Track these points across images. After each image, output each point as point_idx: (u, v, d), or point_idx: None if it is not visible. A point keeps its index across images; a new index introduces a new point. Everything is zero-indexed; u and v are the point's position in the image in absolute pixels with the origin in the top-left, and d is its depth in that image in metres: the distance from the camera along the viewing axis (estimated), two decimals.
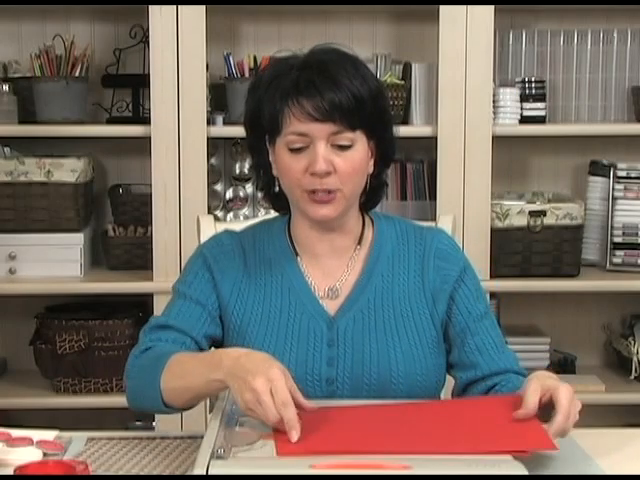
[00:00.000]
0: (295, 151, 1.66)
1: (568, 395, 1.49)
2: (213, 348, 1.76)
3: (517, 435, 1.42)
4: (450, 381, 1.80)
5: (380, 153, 1.74)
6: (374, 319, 1.72)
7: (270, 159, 1.73)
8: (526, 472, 1.28)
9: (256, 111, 1.71)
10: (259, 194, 1.83)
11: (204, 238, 1.94)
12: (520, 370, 1.75)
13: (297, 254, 1.77)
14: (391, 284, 1.75)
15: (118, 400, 2.93)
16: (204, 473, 1.25)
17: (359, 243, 1.78)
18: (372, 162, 1.73)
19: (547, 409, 1.50)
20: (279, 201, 1.78)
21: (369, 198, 1.78)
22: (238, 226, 1.88)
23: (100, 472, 1.51)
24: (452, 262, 1.77)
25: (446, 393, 1.88)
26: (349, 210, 1.73)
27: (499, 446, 1.37)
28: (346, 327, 1.72)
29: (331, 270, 1.76)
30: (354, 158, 1.67)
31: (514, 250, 2.97)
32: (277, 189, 1.75)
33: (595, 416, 3.03)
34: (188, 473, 1.49)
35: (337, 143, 1.65)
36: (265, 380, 1.40)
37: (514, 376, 1.71)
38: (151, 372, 1.62)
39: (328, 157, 1.65)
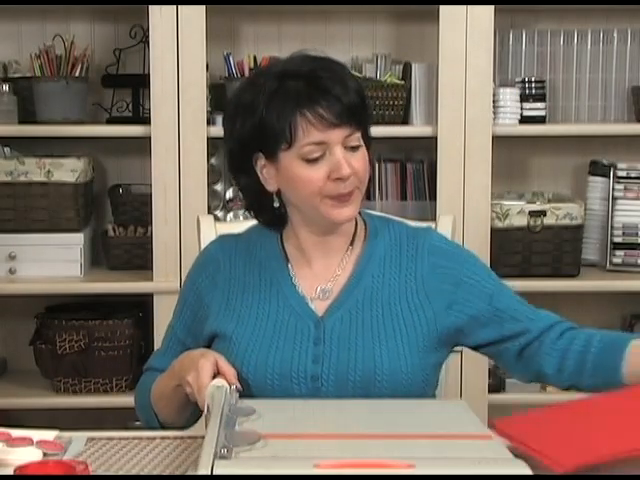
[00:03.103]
0: (312, 161, 1.66)
1: None
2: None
3: None
4: (452, 380, 1.80)
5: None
6: (362, 318, 1.73)
7: (262, 176, 1.72)
8: (530, 472, 1.28)
9: (254, 131, 1.69)
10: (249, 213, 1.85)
11: (204, 238, 1.97)
12: (561, 319, 1.77)
13: (287, 257, 1.78)
14: (381, 284, 1.75)
15: (118, 400, 2.94)
16: (209, 473, 1.24)
17: (351, 243, 1.79)
18: None
19: None
20: (273, 217, 1.78)
21: None
22: (238, 226, 1.90)
23: (100, 472, 1.51)
24: (450, 259, 1.78)
25: (443, 393, 1.89)
26: None
27: None
28: (333, 326, 1.72)
29: (322, 272, 1.77)
30: (364, 157, 1.71)
31: (514, 250, 2.97)
32: (277, 204, 1.76)
33: None
34: (189, 473, 1.49)
35: (349, 145, 1.68)
36: (195, 372, 1.61)
37: (564, 326, 1.74)
38: (145, 408, 1.82)
39: (348, 160, 1.67)
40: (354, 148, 1.68)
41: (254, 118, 1.68)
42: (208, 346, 1.78)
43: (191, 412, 1.77)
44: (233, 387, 1.58)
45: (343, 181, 1.67)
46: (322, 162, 1.67)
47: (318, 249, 1.77)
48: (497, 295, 1.77)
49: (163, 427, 1.80)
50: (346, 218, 1.71)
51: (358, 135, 1.69)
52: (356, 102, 1.67)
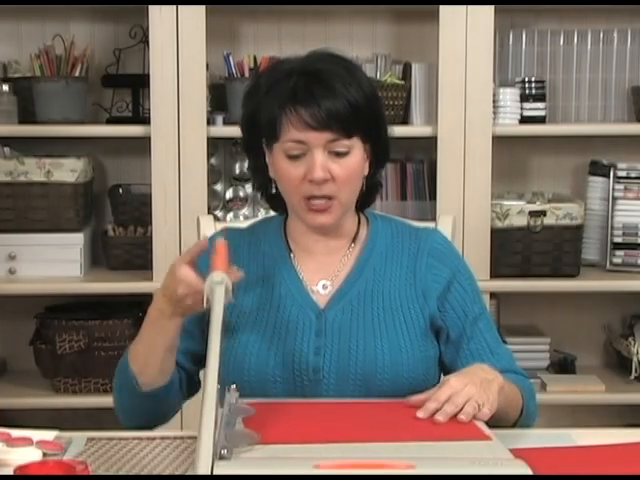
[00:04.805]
0: (293, 158, 1.68)
1: (448, 386, 1.53)
2: None
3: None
4: None
5: (375, 155, 1.76)
6: (362, 311, 1.74)
7: (267, 160, 1.75)
8: (530, 472, 1.28)
9: (254, 115, 1.73)
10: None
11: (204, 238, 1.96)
12: (516, 369, 1.76)
13: (291, 250, 1.79)
14: (382, 278, 1.77)
15: None
16: (209, 473, 1.24)
17: (353, 241, 1.80)
18: (367, 164, 1.75)
19: None
20: (276, 202, 1.81)
21: (364, 198, 1.80)
22: (239, 225, 1.90)
23: (100, 472, 1.51)
24: (445, 263, 1.79)
25: None
26: (345, 214, 1.76)
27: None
28: (334, 318, 1.73)
29: (324, 265, 1.79)
30: (350, 164, 1.69)
31: (514, 250, 2.97)
32: (274, 191, 1.77)
33: (595, 416, 3.04)
34: (188, 473, 1.49)
35: (334, 150, 1.68)
36: (170, 276, 1.60)
37: (513, 375, 1.72)
38: (121, 370, 1.73)
39: (325, 164, 1.67)
40: (340, 154, 1.68)
41: (253, 105, 1.72)
42: None
43: (171, 380, 1.72)
44: (233, 387, 1.58)
45: (317, 184, 1.67)
46: (302, 161, 1.68)
47: (320, 246, 1.79)
48: (471, 324, 1.77)
49: (146, 397, 1.71)
50: (320, 224, 1.72)
51: (347, 142, 1.68)
52: (344, 109, 1.65)
